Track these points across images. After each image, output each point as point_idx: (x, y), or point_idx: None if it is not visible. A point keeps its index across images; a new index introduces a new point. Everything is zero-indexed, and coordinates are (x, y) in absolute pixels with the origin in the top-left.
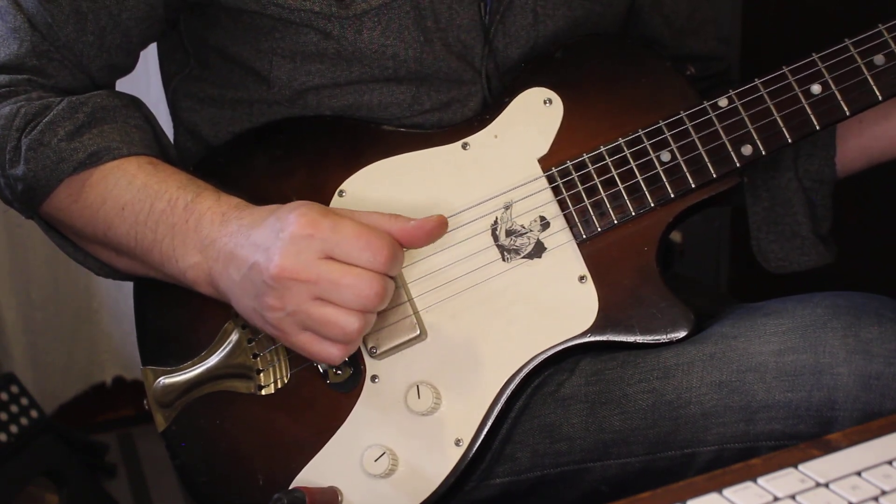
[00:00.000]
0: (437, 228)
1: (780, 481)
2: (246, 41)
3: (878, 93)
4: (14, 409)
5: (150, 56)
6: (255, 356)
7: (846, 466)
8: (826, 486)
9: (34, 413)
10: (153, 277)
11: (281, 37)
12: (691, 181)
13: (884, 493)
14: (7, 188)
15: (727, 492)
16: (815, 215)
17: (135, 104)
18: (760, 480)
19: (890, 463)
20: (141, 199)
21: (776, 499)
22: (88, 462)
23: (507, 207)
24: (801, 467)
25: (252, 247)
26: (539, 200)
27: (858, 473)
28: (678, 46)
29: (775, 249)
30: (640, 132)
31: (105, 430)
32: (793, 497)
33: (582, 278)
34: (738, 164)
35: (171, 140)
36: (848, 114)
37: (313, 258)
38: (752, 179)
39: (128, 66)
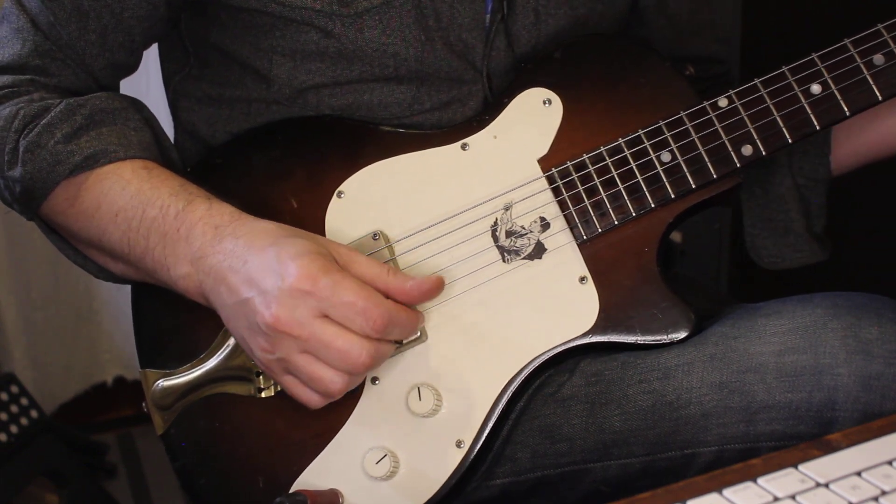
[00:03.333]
0: (433, 290)
1: (780, 481)
2: (246, 39)
3: (877, 92)
4: (14, 409)
5: (150, 57)
6: None
7: (846, 466)
8: (826, 486)
9: (34, 413)
10: (149, 282)
11: (281, 35)
12: (691, 181)
13: (884, 493)
14: (6, 190)
15: (727, 492)
16: (808, 213)
17: (135, 106)
18: (760, 480)
19: (890, 463)
20: (134, 205)
21: (776, 499)
22: (88, 462)
23: (507, 208)
24: (801, 467)
25: (247, 281)
26: (539, 201)
27: (858, 473)
28: (680, 48)
29: (768, 246)
30: (640, 132)
31: (105, 430)
32: (793, 497)
33: (582, 279)
34: (738, 165)
35: (172, 141)
36: (848, 113)
37: (309, 316)
38: (746, 176)
39: (131, 66)
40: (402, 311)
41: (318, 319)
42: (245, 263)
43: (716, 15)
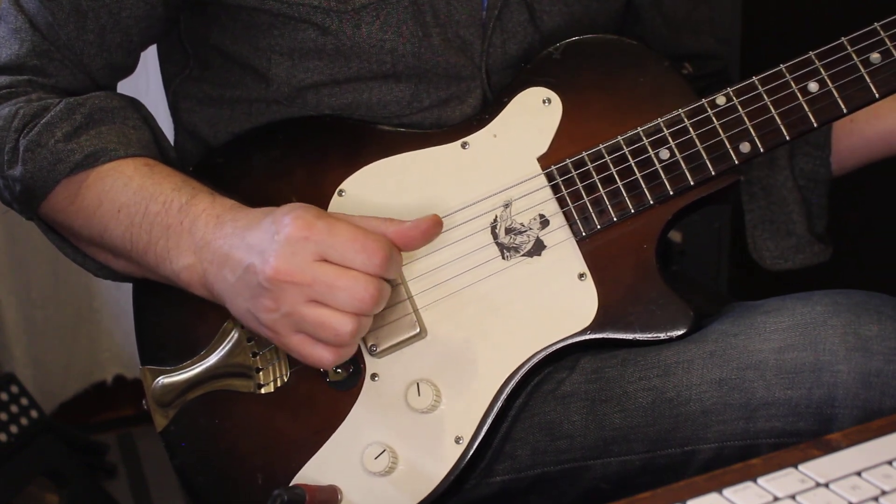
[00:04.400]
0: (432, 228)
1: (780, 481)
2: (244, 39)
3: (874, 90)
4: (14, 409)
5: (150, 58)
6: (254, 355)
7: (846, 466)
8: (826, 486)
9: (34, 413)
10: (150, 279)
11: (279, 34)
12: (690, 179)
13: (884, 493)
14: (6, 189)
15: (727, 492)
16: (810, 214)
17: (133, 106)
18: (760, 480)
19: (890, 463)
20: (136, 201)
21: (776, 499)
22: (88, 462)
23: (506, 206)
24: (801, 467)
25: (247, 248)
26: (538, 198)
27: (858, 473)
28: (676, 45)
29: (770, 247)
30: (639, 130)
31: (105, 429)
32: (793, 497)
33: (581, 276)
34: (736, 162)
35: (172, 141)
36: (845, 111)
37: (308, 260)
38: (747, 177)
39: (128, 67)
40: (397, 249)
41: (319, 263)
42: (244, 238)
43: (714, 12)
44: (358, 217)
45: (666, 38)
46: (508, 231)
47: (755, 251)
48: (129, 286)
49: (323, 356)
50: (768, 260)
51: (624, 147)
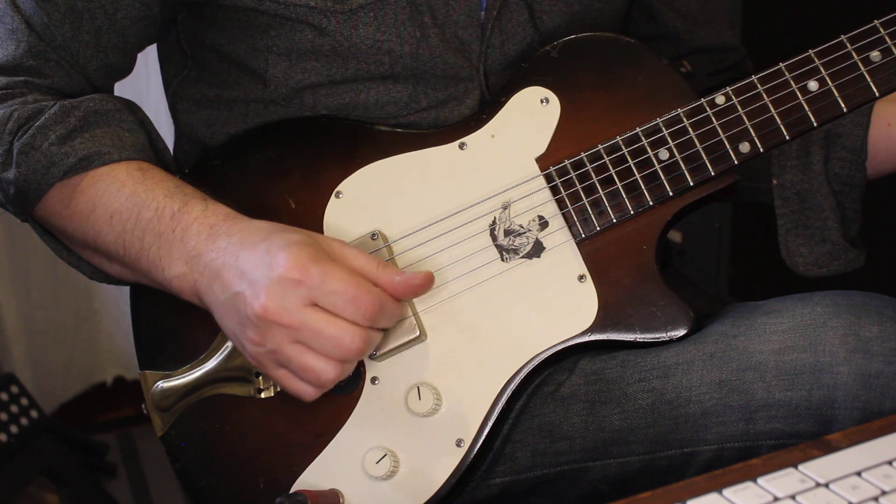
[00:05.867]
0: (423, 285)
1: (780, 481)
2: (242, 40)
3: (874, 88)
4: (14, 409)
5: (151, 61)
6: None
7: (846, 466)
8: (826, 486)
9: (34, 413)
10: (145, 284)
11: (276, 34)
12: (690, 179)
13: (884, 493)
14: (0, 192)
15: (727, 492)
16: (844, 218)
17: (129, 108)
18: (760, 480)
19: (890, 463)
20: (129, 207)
21: (776, 499)
22: (88, 462)
23: (505, 207)
24: (801, 467)
25: (238, 274)
26: (537, 200)
27: (858, 473)
28: (692, 39)
29: (804, 253)
30: (638, 130)
31: (105, 430)
32: (793, 497)
33: (581, 277)
34: (736, 162)
35: (173, 144)
36: (845, 110)
37: (299, 305)
38: (780, 181)
39: (125, 68)
40: (390, 300)
41: (308, 308)
42: (237, 259)
43: (726, 2)
44: (354, 256)
45: (682, 32)
46: (507, 233)
47: (788, 257)
48: (128, 287)
49: (305, 391)
50: (802, 266)
51: (623, 147)
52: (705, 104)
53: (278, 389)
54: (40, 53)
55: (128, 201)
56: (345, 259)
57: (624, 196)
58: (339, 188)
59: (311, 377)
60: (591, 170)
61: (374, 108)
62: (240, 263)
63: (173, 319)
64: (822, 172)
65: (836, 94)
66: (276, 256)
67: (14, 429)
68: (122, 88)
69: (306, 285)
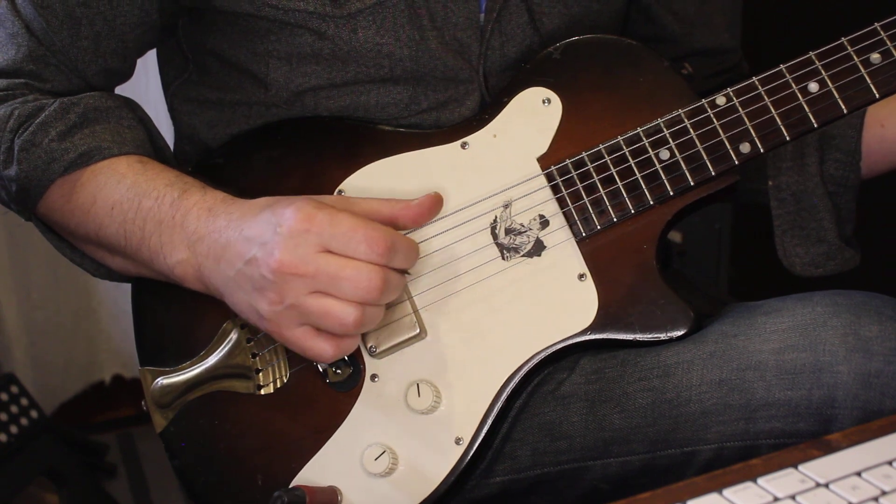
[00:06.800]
0: (436, 204)
1: (780, 481)
2: (242, 44)
3: (875, 90)
4: (14, 409)
5: (150, 61)
6: (253, 356)
7: (846, 466)
8: (826, 486)
9: (34, 413)
10: (147, 277)
11: (276, 39)
12: (690, 179)
13: (884, 493)
14: (3, 190)
15: (727, 492)
16: (839, 218)
17: (129, 106)
18: (760, 480)
19: (890, 463)
20: (129, 197)
21: (776, 499)
22: (88, 462)
23: (506, 206)
24: (801, 467)
25: (246, 241)
26: (538, 199)
27: (858, 474)
28: (689, 41)
29: (801, 253)
30: (639, 130)
31: (105, 429)
32: (793, 497)
33: (581, 276)
34: (736, 162)
35: (172, 145)
36: (845, 111)
37: (312, 252)
38: (776, 183)
39: (125, 73)
40: (401, 236)
41: (322, 254)
42: (241, 231)
43: (724, 4)
44: (359, 200)
45: (679, 35)
46: (508, 231)
47: (785, 258)
48: (128, 286)
49: (324, 349)
50: (799, 267)
51: (624, 147)
52: (706, 105)
53: (278, 385)
54: (40, 58)
55: (128, 192)
56: (349, 206)
57: (625, 195)
58: (341, 186)
59: (332, 324)
60: (591, 169)
61: (374, 109)
62: (245, 233)
63: (174, 316)
64: (817, 174)
65: (836, 95)
66: (282, 214)
67: (14, 429)
68: (121, 88)
69: (315, 232)
